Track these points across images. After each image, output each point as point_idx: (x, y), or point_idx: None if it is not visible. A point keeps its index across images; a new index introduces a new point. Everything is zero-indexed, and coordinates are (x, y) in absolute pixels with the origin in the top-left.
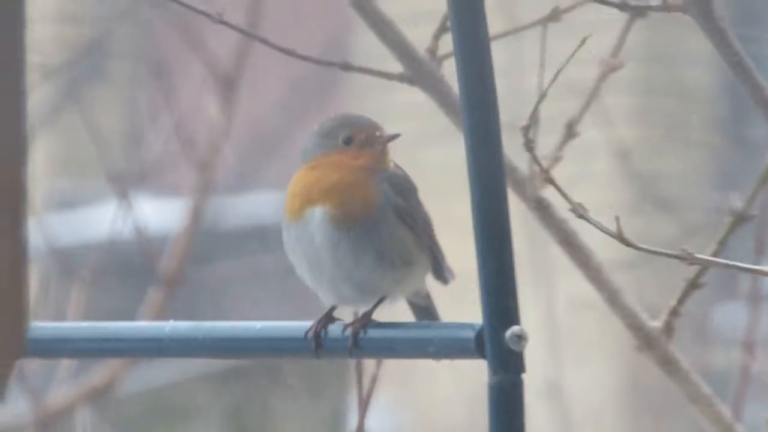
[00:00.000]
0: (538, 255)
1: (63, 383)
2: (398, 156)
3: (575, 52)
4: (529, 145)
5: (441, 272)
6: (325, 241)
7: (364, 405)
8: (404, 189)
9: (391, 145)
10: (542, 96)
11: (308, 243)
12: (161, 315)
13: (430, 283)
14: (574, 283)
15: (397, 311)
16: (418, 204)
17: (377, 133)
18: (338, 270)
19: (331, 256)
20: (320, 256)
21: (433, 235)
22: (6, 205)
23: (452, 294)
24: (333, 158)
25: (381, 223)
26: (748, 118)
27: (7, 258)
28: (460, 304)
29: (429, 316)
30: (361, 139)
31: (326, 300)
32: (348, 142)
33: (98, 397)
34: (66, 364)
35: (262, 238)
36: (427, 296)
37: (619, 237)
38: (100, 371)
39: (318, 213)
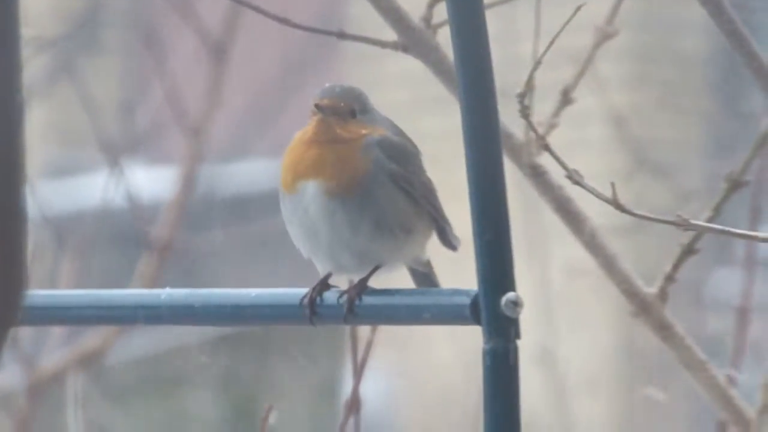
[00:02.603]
0: (533, 221)
1: (55, 350)
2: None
3: (570, 19)
4: (525, 112)
5: (447, 239)
6: (320, 212)
7: (358, 372)
8: (399, 154)
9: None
10: (537, 63)
11: (303, 214)
12: (154, 283)
13: (431, 247)
14: (569, 249)
15: (394, 277)
16: (418, 169)
17: (319, 103)
18: (336, 240)
19: (328, 226)
20: (317, 227)
21: (436, 200)
22: (3, 173)
23: (450, 260)
24: (306, 129)
25: (375, 190)
26: (742, 85)
27: (5, 227)
28: (458, 269)
29: (428, 282)
30: (313, 109)
31: (323, 268)
32: (315, 112)
33: (90, 363)
34: (58, 330)
35: (257, 205)
36: (428, 263)
37: (615, 203)
38: (92, 338)
39: (310, 186)
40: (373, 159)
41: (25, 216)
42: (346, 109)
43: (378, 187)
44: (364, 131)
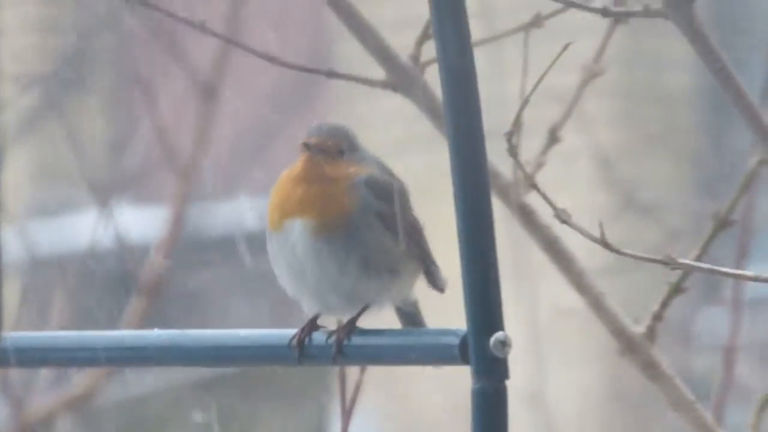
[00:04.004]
0: (521, 260)
1: (44, 391)
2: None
3: (557, 58)
4: (513, 151)
5: (434, 280)
6: (306, 250)
7: (347, 412)
8: (387, 193)
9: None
10: (525, 102)
11: (290, 253)
12: (143, 323)
13: (419, 286)
14: (557, 288)
15: (383, 317)
16: (406, 208)
17: (306, 142)
18: (323, 279)
19: (315, 265)
20: (303, 267)
21: (423, 240)
22: None
23: (438, 297)
24: (293, 167)
25: (362, 229)
26: (729, 123)
27: None
28: (446, 308)
29: (414, 322)
30: (301, 147)
31: (309, 308)
32: (303, 150)
33: (80, 405)
34: (47, 372)
35: (245, 245)
36: (415, 303)
37: (603, 242)
38: (82, 379)
39: (297, 225)
40: (360, 198)
41: (3, 255)
42: (334, 147)
43: (364, 226)
44: (351, 170)
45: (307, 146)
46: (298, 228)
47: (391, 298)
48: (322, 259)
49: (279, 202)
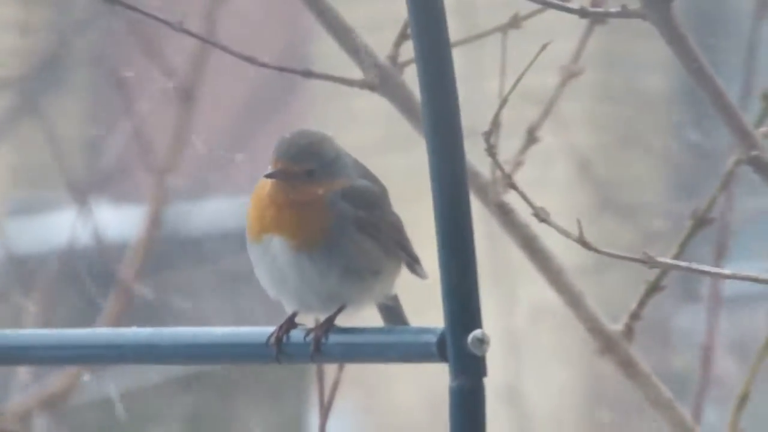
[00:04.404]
0: (499, 259)
1: (21, 390)
2: (361, 162)
3: (536, 58)
4: (491, 151)
5: (415, 269)
6: (287, 263)
7: (325, 410)
8: (365, 200)
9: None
10: (503, 102)
11: (271, 263)
12: (121, 322)
13: (400, 280)
14: (535, 287)
15: (361, 315)
16: (385, 210)
17: (271, 172)
18: (305, 286)
19: (296, 275)
20: (284, 275)
21: (404, 239)
22: None
23: (417, 297)
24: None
25: (341, 242)
26: (707, 124)
27: None
28: (425, 307)
29: (395, 315)
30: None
31: (289, 308)
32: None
33: (56, 404)
34: (24, 371)
35: (222, 244)
36: (395, 297)
37: (581, 241)
38: (58, 378)
39: (276, 240)
40: (337, 213)
41: None
42: (301, 172)
43: (344, 239)
44: (320, 191)
45: (271, 175)
46: (277, 243)
47: (372, 298)
48: (304, 271)
49: (255, 217)
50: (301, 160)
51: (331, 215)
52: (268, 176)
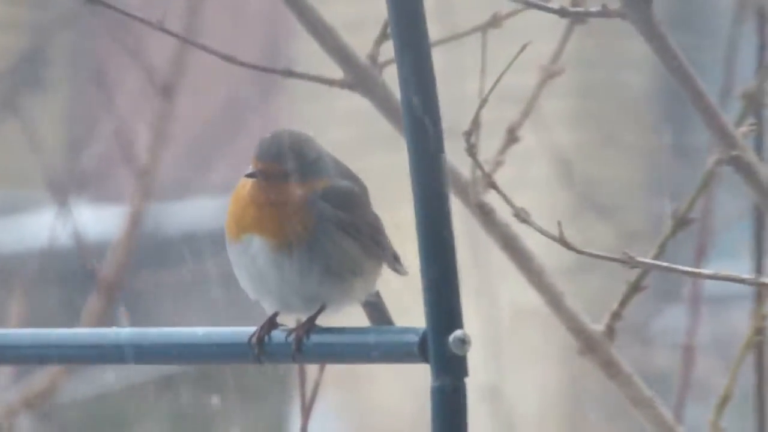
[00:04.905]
0: (480, 259)
1: (3, 390)
2: (342, 161)
3: (516, 58)
4: (471, 150)
5: (395, 267)
6: (267, 263)
7: (306, 410)
8: (345, 201)
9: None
10: (483, 101)
11: (250, 262)
12: (102, 322)
13: (382, 282)
14: (516, 287)
15: (342, 315)
16: (365, 210)
17: (252, 171)
18: (285, 286)
19: (276, 275)
20: (264, 275)
21: (384, 237)
22: None
23: (398, 297)
24: (246, 182)
25: (322, 241)
26: (687, 123)
27: None
28: (406, 307)
29: (378, 311)
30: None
31: (270, 308)
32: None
33: (39, 403)
34: (6, 370)
35: (203, 244)
36: (377, 294)
37: (561, 241)
38: (41, 377)
39: (255, 240)
40: (317, 213)
41: None
42: (281, 173)
43: (324, 239)
44: (300, 191)
45: (252, 175)
46: (257, 243)
47: (353, 298)
48: (284, 271)
49: (235, 217)
50: (282, 161)
51: (311, 215)
52: (248, 176)
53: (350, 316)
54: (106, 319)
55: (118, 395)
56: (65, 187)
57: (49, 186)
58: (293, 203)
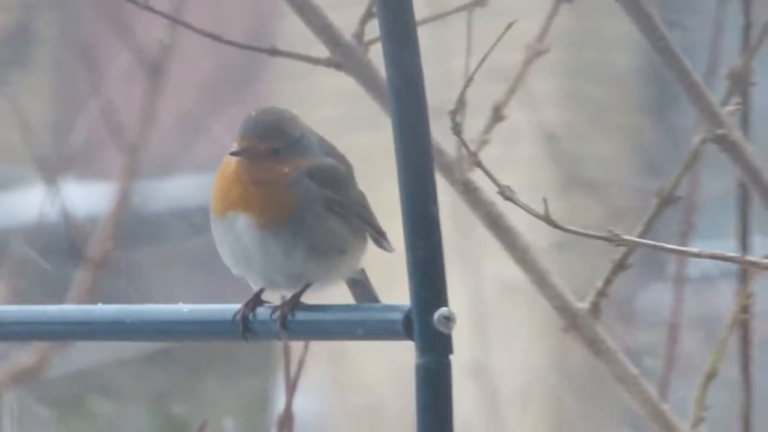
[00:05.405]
0: (465, 237)
1: None
2: (327, 139)
3: (501, 36)
4: (457, 129)
5: (382, 244)
6: (252, 242)
7: (291, 387)
8: (331, 179)
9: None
10: (469, 80)
11: (235, 241)
12: (89, 298)
13: (367, 259)
14: (501, 264)
15: (328, 292)
16: (351, 188)
17: (236, 149)
18: (269, 264)
19: (261, 253)
20: (248, 254)
21: (370, 215)
22: None
23: (382, 275)
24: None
25: (308, 219)
26: (673, 102)
27: None
28: (391, 285)
29: (363, 288)
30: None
31: (255, 285)
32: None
33: (26, 379)
34: None
35: (189, 221)
36: (362, 271)
37: (547, 219)
38: (28, 353)
39: (241, 218)
40: (302, 192)
41: None
42: (266, 150)
43: (310, 217)
44: (285, 170)
45: (236, 153)
46: (243, 221)
47: (339, 276)
48: (269, 249)
49: (220, 194)
50: (267, 138)
51: (296, 194)
52: (233, 154)
53: (335, 293)
54: (94, 295)
55: (104, 371)
56: (53, 165)
57: (37, 163)
58: (278, 181)
